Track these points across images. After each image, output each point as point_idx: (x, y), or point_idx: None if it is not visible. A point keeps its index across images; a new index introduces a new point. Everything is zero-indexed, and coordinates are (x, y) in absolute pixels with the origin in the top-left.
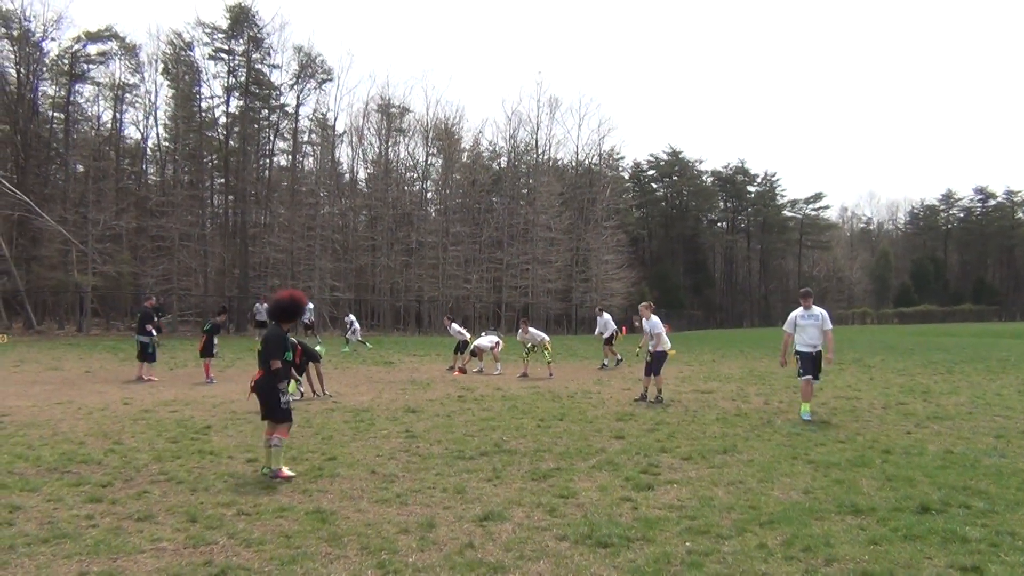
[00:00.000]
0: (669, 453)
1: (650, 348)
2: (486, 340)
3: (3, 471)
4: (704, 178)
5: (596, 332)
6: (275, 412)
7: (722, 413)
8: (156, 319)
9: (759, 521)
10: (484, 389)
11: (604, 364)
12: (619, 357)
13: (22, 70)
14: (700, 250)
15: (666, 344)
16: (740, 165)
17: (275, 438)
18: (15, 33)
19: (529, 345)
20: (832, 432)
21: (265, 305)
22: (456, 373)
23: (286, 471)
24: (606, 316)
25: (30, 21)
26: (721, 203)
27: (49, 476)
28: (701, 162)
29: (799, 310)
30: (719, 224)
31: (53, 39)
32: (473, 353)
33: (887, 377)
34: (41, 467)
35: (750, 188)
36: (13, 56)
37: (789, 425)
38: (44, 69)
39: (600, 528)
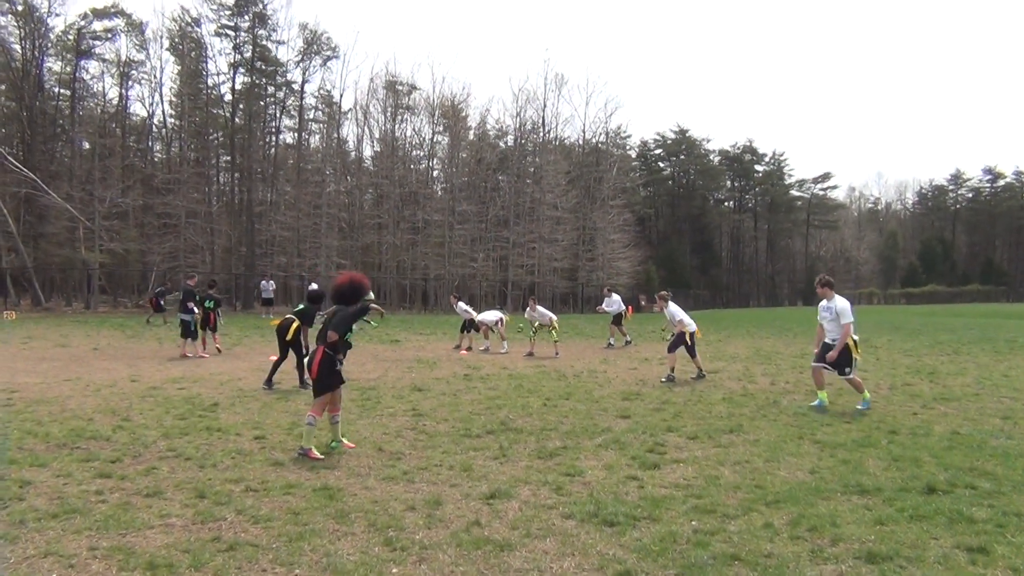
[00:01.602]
0: (675, 432)
1: (672, 332)
2: (490, 315)
3: (13, 447)
4: (711, 157)
5: (598, 308)
6: (327, 385)
7: (728, 393)
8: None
9: (765, 500)
10: (490, 368)
11: (610, 343)
12: (628, 338)
13: (27, 46)
14: (707, 230)
15: (689, 327)
16: (748, 144)
17: (336, 415)
18: (19, 8)
19: (536, 324)
20: (838, 413)
21: (272, 284)
22: (462, 352)
23: (316, 452)
24: (614, 296)
25: None
26: (728, 182)
27: (58, 452)
28: (708, 141)
29: (822, 301)
30: (726, 204)
31: (58, 14)
32: (476, 328)
33: (894, 358)
34: (50, 443)
35: (757, 167)
36: (18, 31)
37: (795, 405)
38: (49, 45)
39: (606, 507)
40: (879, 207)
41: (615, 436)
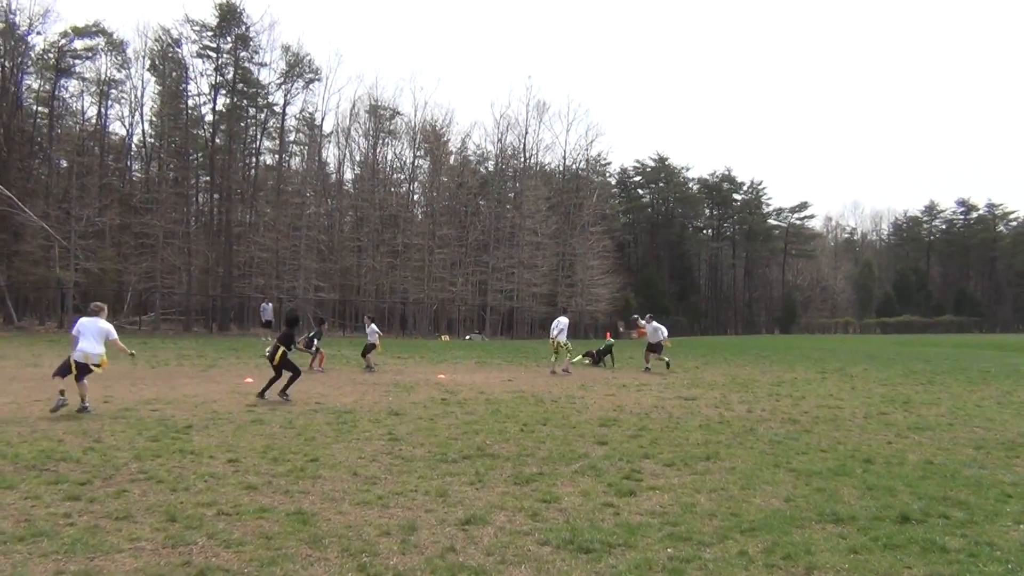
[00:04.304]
0: (652, 459)
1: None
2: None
3: None
4: (690, 185)
5: (635, 335)
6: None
7: (705, 420)
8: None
9: (740, 528)
10: (468, 393)
11: (647, 368)
12: (667, 359)
13: (6, 63)
14: (685, 257)
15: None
16: (726, 173)
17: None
18: (0, 26)
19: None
20: (814, 441)
21: (270, 305)
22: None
23: None
24: (655, 323)
25: (15, 14)
26: (707, 210)
27: (27, 473)
28: (688, 169)
29: None
30: (705, 231)
31: (39, 33)
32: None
33: (869, 387)
34: (19, 464)
35: (736, 196)
36: None
37: (771, 433)
38: (29, 63)
39: (582, 533)
40: (855, 237)
41: (592, 462)
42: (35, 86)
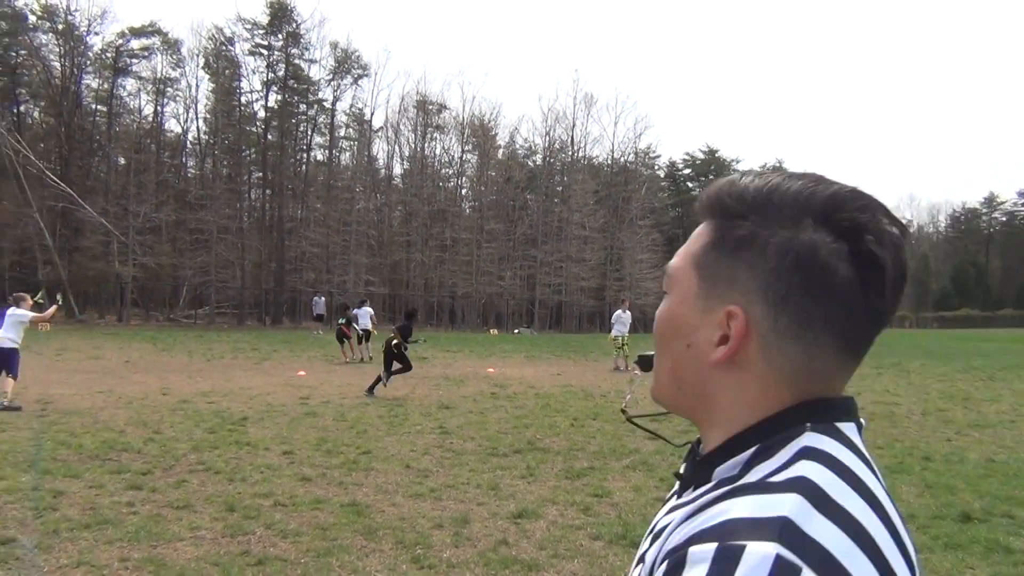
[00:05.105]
0: None
1: None
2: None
3: (47, 457)
4: None
5: None
6: None
7: None
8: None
9: None
10: (517, 387)
11: None
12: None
13: (67, 63)
14: None
15: None
16: (778, 164)
17: None
18: (60, 27)
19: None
20: (870, 438)
21: (322, 299)
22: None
23: None
24: None
25: (74, 15)
26: None
27: (91, 463)
28: (738, 161)
29: None
30: None
31: (97, 33)
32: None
33: (926, 383)
34: (83, 454)
35: None
36: (58, 49)
37: None
38: (88, 63)
39: (635, 528)
40: (911, 229)
41: (643, 457)
42: (94, 85)
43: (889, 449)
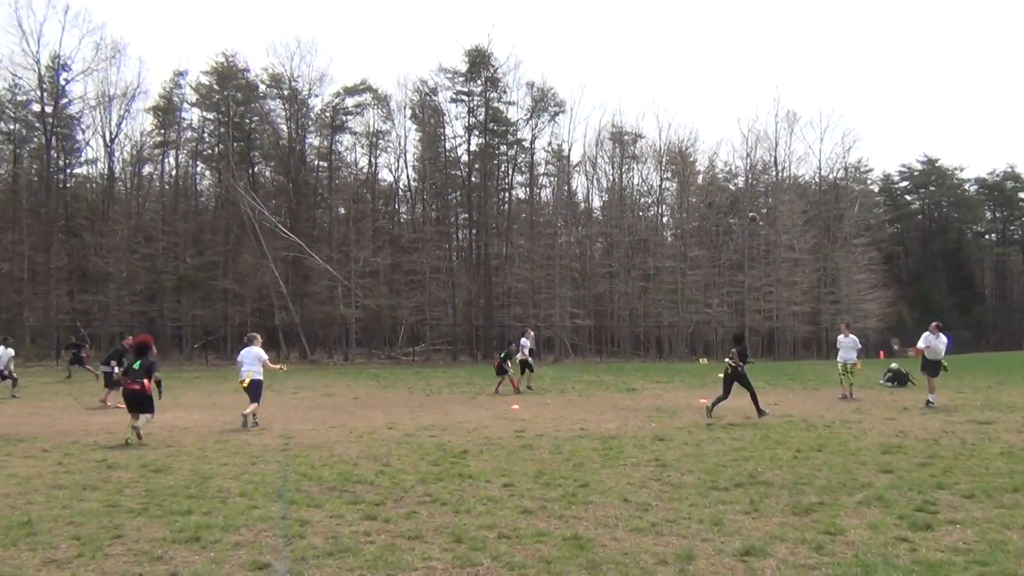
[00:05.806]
0: (947, 490)
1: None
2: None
3: (292, 488)
4: (966, 187)
5: (912, 351)
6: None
7: (1007, 447)
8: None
9: None
10: (733, 417)
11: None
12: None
13: (292, 125)
14: (965, 265)
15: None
16: (1010, 170)
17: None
18: (286, 92)
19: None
20: None
21: (532, 333)
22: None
23: None
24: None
25: (297, 80)
26: (988, 213)
27: (330, 494)
28: (961, 169)
29: None
30: (987, 236)
31: (317, 95)
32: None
33: None
34: (323, 485)
35: (1022, 195)
36: (284, 113)
37: None
38: (310, 123)
39: (875, 570)
40: None
41: (877, 492)
42: (315, 143)
43: None
